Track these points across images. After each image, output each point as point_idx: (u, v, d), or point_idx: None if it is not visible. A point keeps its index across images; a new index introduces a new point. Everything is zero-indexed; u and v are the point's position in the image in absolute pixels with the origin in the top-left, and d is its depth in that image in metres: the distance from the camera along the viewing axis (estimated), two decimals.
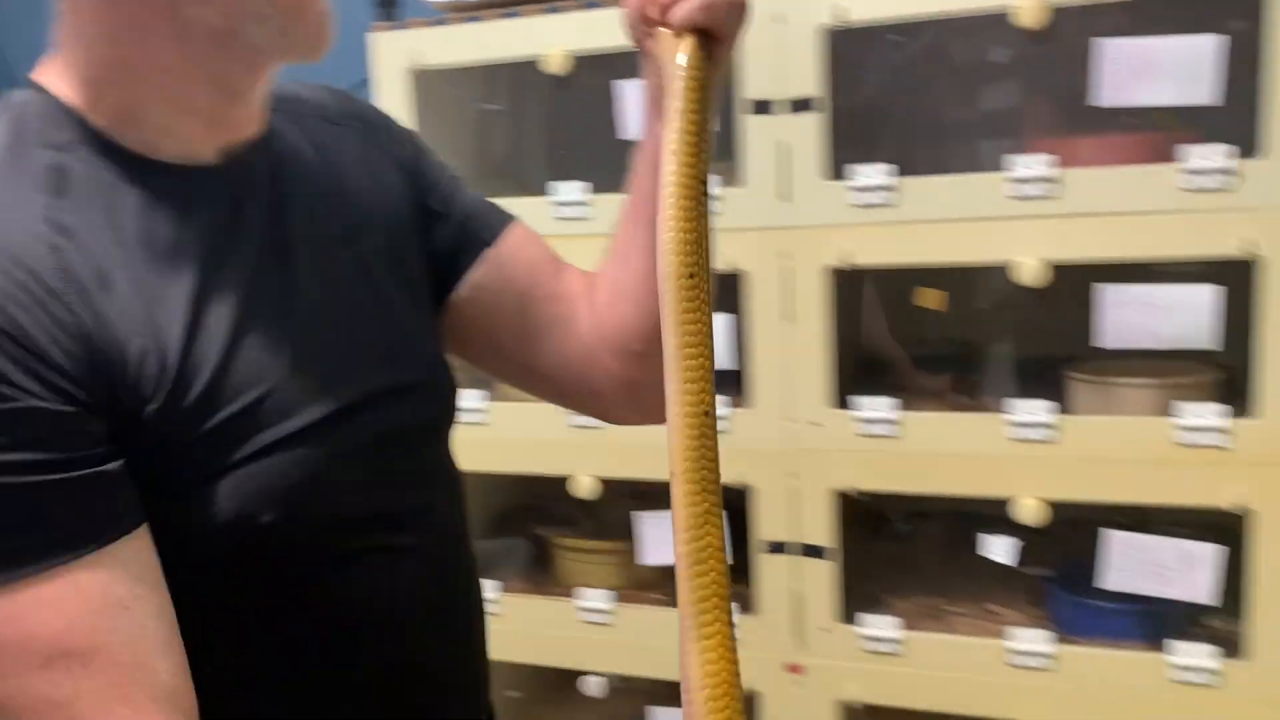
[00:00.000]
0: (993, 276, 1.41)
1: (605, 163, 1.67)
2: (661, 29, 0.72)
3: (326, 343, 0.77)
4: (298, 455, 0.72)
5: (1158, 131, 1.33)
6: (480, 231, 0.91)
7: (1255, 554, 1.32)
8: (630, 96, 1.53)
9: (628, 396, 0.92)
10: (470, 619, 0.89)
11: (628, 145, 1.56)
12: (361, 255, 0.82)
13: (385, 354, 0.81)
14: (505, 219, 0.93)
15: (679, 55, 0.69)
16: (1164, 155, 1.29)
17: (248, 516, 0.70)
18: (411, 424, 0.82)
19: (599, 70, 1.56)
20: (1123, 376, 1.43)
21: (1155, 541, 1.37)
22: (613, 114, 1.54)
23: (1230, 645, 1.36)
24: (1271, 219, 1.25)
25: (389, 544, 0.79)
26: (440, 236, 0.89)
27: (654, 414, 0.94)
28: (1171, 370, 1.41)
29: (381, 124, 0.91)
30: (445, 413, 0.88)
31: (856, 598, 1.58)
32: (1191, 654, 1.37)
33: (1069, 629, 1.50)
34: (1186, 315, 1.30)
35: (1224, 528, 1.35)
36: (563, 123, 1.77)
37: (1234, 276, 1.29)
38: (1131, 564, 1.38)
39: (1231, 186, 1.26)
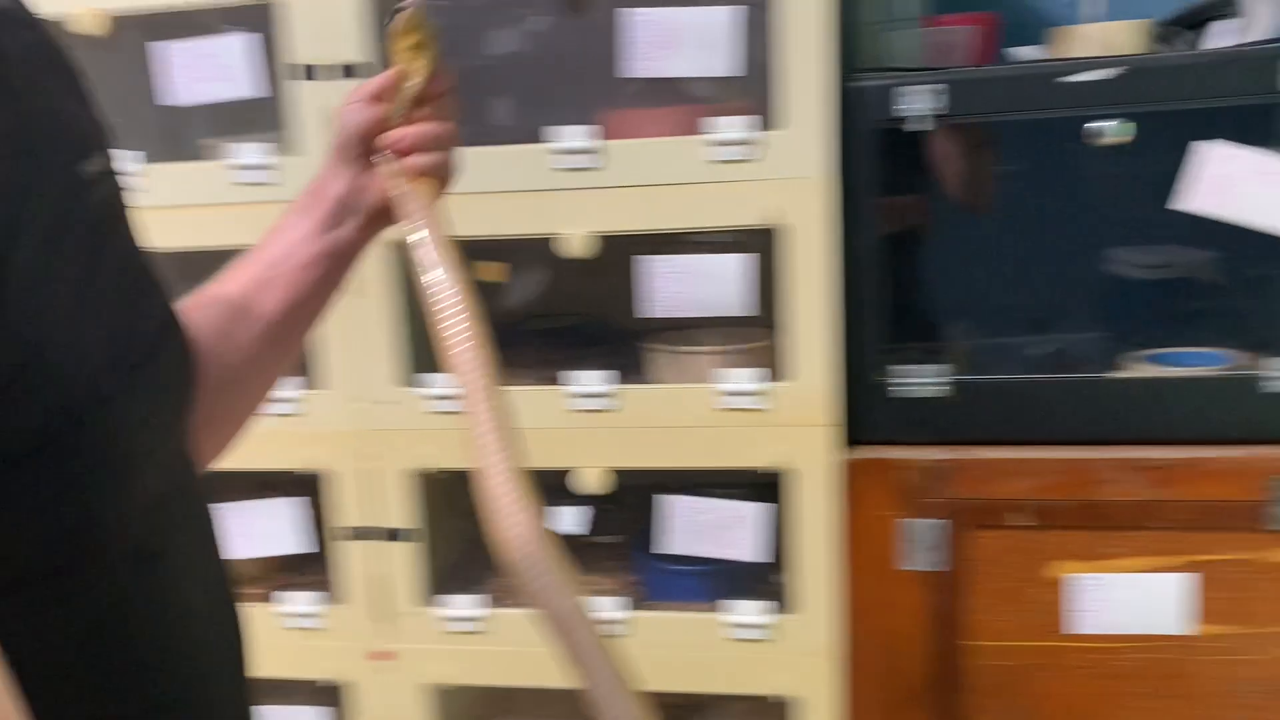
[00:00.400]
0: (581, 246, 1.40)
1: (150, 130, 1.56)
2: (394, 163, 0.78)
3: (101, 274, 0.58)
4: (104, 424, 0.54)
5: (695, 103, 1.35)
6: None
7: (796, 512, 1.37)
8: (174, 60, 1.42)
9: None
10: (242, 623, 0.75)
11: (171, 111, 1.49)
12: (102, 181, 0.62)
13: (148, 296, 0.64)
14: None
15: (418, 194, 0.77)
16: (699, 127, 1.31)
17: (53, 515, 0.52)
18: (179, 382, 0.66)
19: (138, 32, 1.44)
20: (691, 345, 1.45)
21: (708, 504, 1.40)
22: (152, 79, 1.43)
23: (785, 600, 1.42)
24: (792, 189, 1.29)
25: (182, 536, 0.63)
26: None
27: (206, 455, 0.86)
28: (739, 337, 1.44)
29: (63, 45, 0.68)
30: (194, 373, 0.71)
31: (445, 579, 1.55)
32: (746, 611, 1.41)
33: (655, 594, 1.53)
34: (723, 284, 1.32)
35: (777, 487, 1.40)
36: (104, 87, 1.64)
37: (767, 244, 1.33)
38: (690, 527, 1.41)
39: (755, 157, 1.29)
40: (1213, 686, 1.31)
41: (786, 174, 1.29)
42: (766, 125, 1.29)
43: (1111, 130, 1.22)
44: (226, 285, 0.82)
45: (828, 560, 1.37)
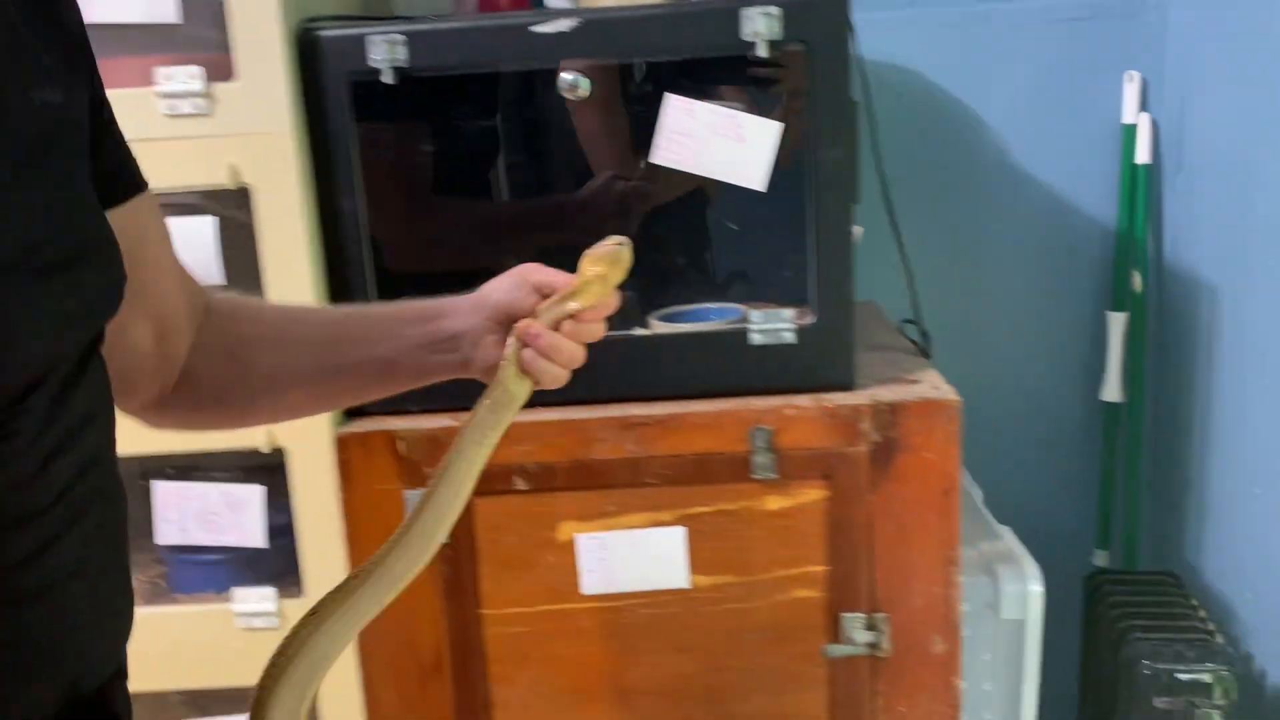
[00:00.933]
0: None
1: None
2: (513, 351, 0.79)
3: (21, 189, 0.60)
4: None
5: (152, 53, 1.23)
6: (135, 168, 0.77)
7: (295, 492, 1.30)
8: None
9: (150, 405, 0.84)
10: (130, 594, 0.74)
11: None
12: (51, 111, 0.63)
13: (76, 220, 0.64)
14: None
15: (514, 387, 0.79)
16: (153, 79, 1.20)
17: None
18: (92, 298, 0.65)
19: None
20: None
21: (202, 489, 1.31)
22: None
23: (292, 585, 1.35)
24: (256, 144, 1.20)
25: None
26: (102, 151, 0.72)
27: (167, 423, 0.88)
28: None
29: None
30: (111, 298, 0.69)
31: None
32: (253, 599, 1.33)
33: (184, 588, 1.42)
34: (191, 250, 1.22)
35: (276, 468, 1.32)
36: None
37: (245, 205, 1.23)
38: (185, 515, 1.31)
39: (211, 111, 1.19)
40: (715, 636, 1.33)
41: (248, 129, 1.19)
42: (226, 77, 1.20)
43: (577, 84, 1.20)
44: (322, 310, 0.89)
45: (334, 539, 1.31)
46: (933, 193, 1.88)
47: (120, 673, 0.73)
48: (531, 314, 0.82)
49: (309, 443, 1.28)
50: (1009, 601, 1.51)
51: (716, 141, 1.20)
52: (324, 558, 1.32)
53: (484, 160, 1.28)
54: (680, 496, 1.29)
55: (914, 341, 1.46)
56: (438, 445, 1.28)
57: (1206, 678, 1.49)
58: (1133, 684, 1.53)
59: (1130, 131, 1.83)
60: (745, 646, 1.33)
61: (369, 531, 1.30)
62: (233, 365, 0.84)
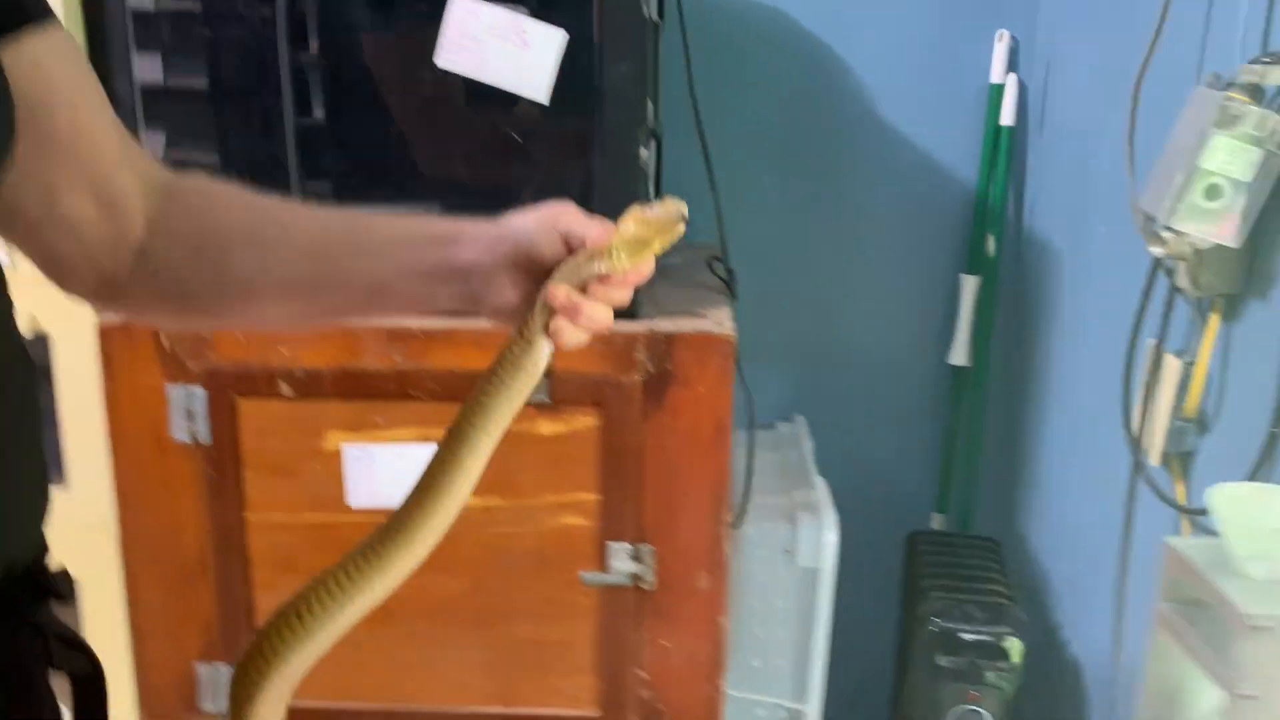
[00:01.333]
0: None
1: None
2: (543, 313, 0.69)
3: None
4: None
5: None
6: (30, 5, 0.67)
7: (58, 381, 1.27)
8: None
9: (101, 291, 0.74)
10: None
11: None
12: None
13: None
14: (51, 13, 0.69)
15: (545, 348, 0.70)
16: None
17: None
18: None
19: None
20: None
21: None
22: None
23: (54, 476, 1.32)
24: None
25: None
26: None
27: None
28: None
29: None
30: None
31: None
32: None
33: None
34: None
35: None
36: None
37: None
38: None
39: None
40: (482, 559, 1.31)
41: None
42: None
43: None
44: (313, 212, 0.75)
45: (98, 431, 1.28)
46: (795, 140, 1.85)
47: (47, 552, 0.69)
48: (549, 268, 0.70)
49: (72, 329, 1.25)
50: (805, 549, 1.50)
51: (501, 46, 1.16)
52: (87, 449, 1.29)
53: (264, 55, 1.24)
54: (450, 413, 1.26)
55: (721, 279, 1.44)
56: (202, 341, 1.25)
57: (994, 640, 1.49)
58: (923, 641, 1.52)
59: (997, 92, 1.80)
60: (512, 571, 1.32)
61: (131, 424, 1.28)
62: (200, 260, 0.74)
